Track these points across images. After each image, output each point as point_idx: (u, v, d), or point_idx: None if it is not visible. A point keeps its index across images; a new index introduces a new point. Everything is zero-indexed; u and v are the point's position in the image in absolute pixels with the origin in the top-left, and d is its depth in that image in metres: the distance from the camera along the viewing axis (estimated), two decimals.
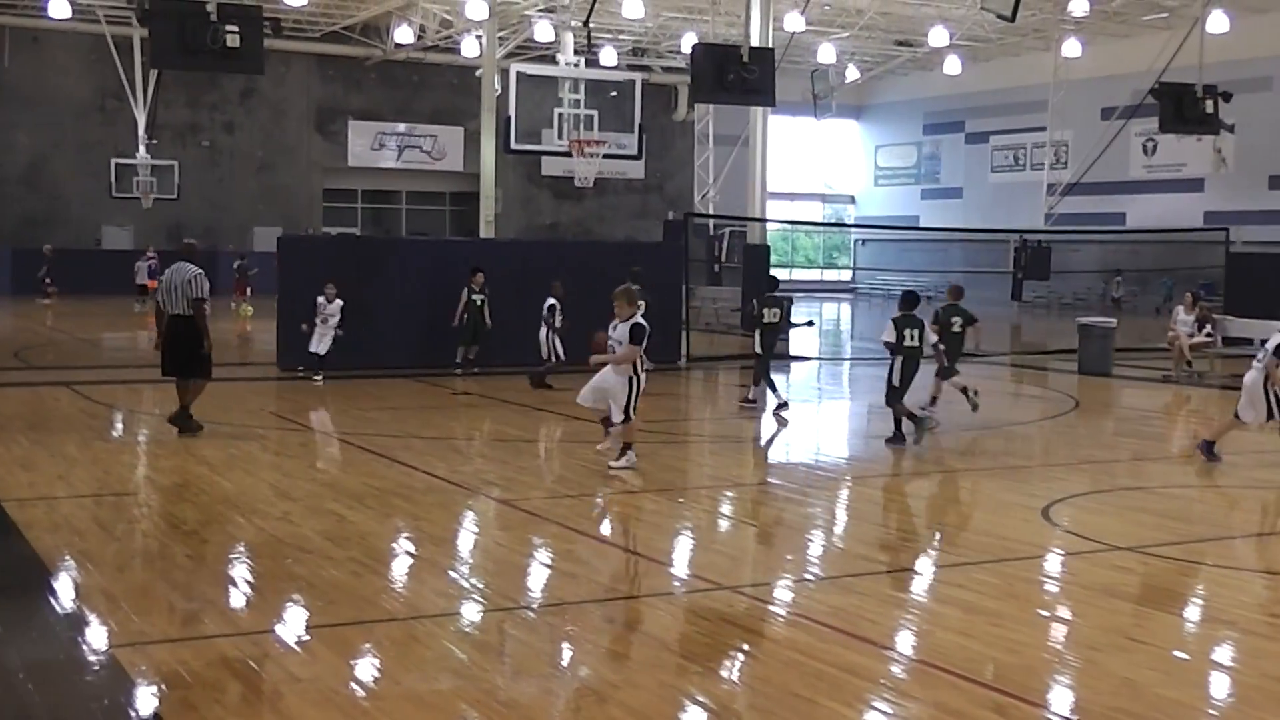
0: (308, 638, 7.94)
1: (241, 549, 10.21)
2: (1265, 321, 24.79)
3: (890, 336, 15.83)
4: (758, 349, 19.16)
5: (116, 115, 48.15)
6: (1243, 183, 44.52)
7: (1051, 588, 9.67)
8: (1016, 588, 9.31)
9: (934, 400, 17.89)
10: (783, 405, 18.82)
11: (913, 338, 15.81)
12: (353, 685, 7.07)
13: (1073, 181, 47.91)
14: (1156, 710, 6.79)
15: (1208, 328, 24.41)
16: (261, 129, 52.35)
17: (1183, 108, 30.07)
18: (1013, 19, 31.81)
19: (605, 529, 11.63)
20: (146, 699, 6.80)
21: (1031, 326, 41.99)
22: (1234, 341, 25.63)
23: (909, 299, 16.29)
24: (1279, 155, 43.99)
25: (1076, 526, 11.45)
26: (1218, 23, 36.78)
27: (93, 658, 7.53)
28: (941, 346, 17.48)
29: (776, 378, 19.43)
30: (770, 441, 17.59)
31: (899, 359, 15.78)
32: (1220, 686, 7.51)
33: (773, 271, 28.15)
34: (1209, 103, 30.12)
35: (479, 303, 21.64)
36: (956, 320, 17.97)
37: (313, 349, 20.80)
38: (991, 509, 12.44)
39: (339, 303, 20.73)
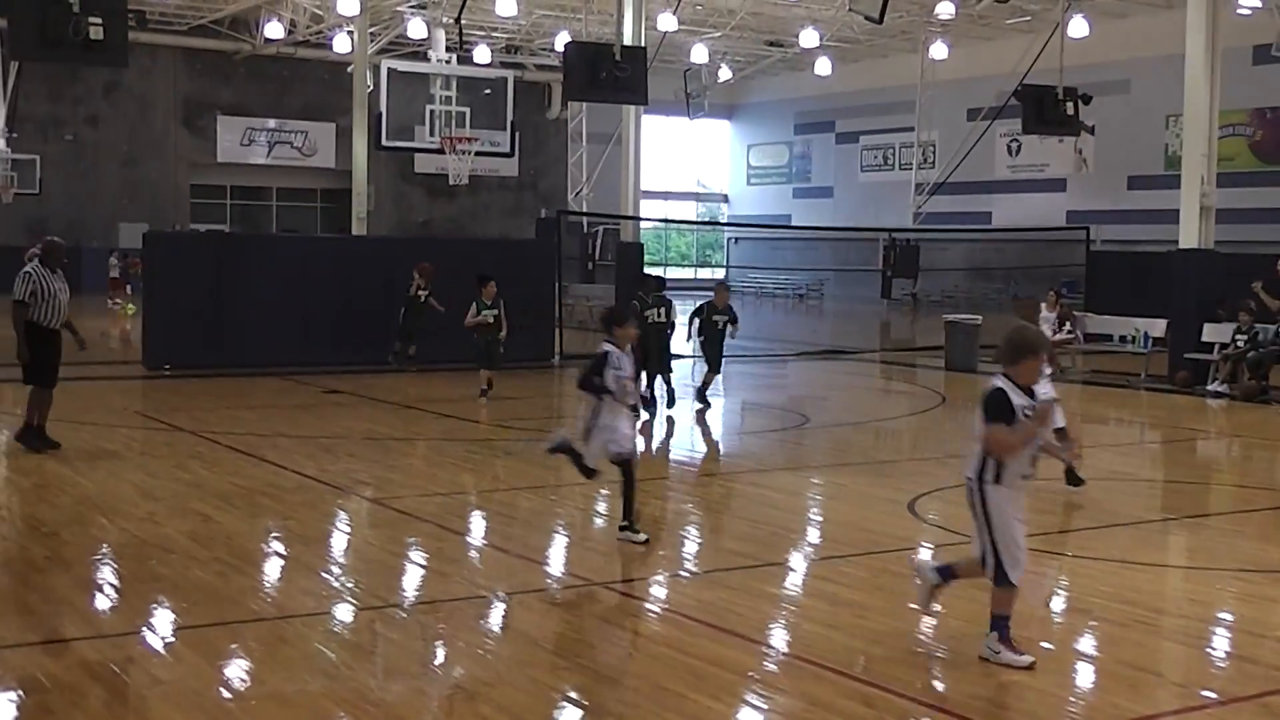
0: (172, 640, 7.81)
1: (104, 551, 10.01)
2: (1124, 318, 25.48)
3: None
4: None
5: None
6: (1103, 183, 45.59)
7: (916, 580, 9.82)
8: (882, 580, 9.45)
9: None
10: (650, 403, 18.88)
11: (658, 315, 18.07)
12: (219, 688, 6.97)
13: (940, 181, 48.74)
14: (1018, 698, 6.94)
15: (1069, 325, 24.92)
16: (127, 123, 51.31)
17: (1044, 109, 30.66)
18: (880, 21, 32.29)
19: (477, 527, 11.60)
20: (3, 705, 6.63)
21: (900, 324, 42.59)
22: (1094, 338, 26.24)
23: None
24: (1137, 157, 45.08)
25: (942, 519, 11.64)
26: (1078, 27, 37.62)
27: None
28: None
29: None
30: (645, 439, 17.64)
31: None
32: (1079, 674, 7.70)
33: (653, 271, 28.17)
34: (1069, 105, 30.74)
35: (492, 318, 19.19)
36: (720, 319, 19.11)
37: None
38: (859, 503, 12.61)
39: None
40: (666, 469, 14.99)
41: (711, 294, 19.70)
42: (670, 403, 18.92)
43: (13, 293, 13.91)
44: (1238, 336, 21.49)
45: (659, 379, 18.76)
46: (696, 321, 19.17)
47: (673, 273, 61.32)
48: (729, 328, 18.95)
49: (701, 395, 19.00)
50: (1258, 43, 35.05)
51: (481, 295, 19.13)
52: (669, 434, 17.76)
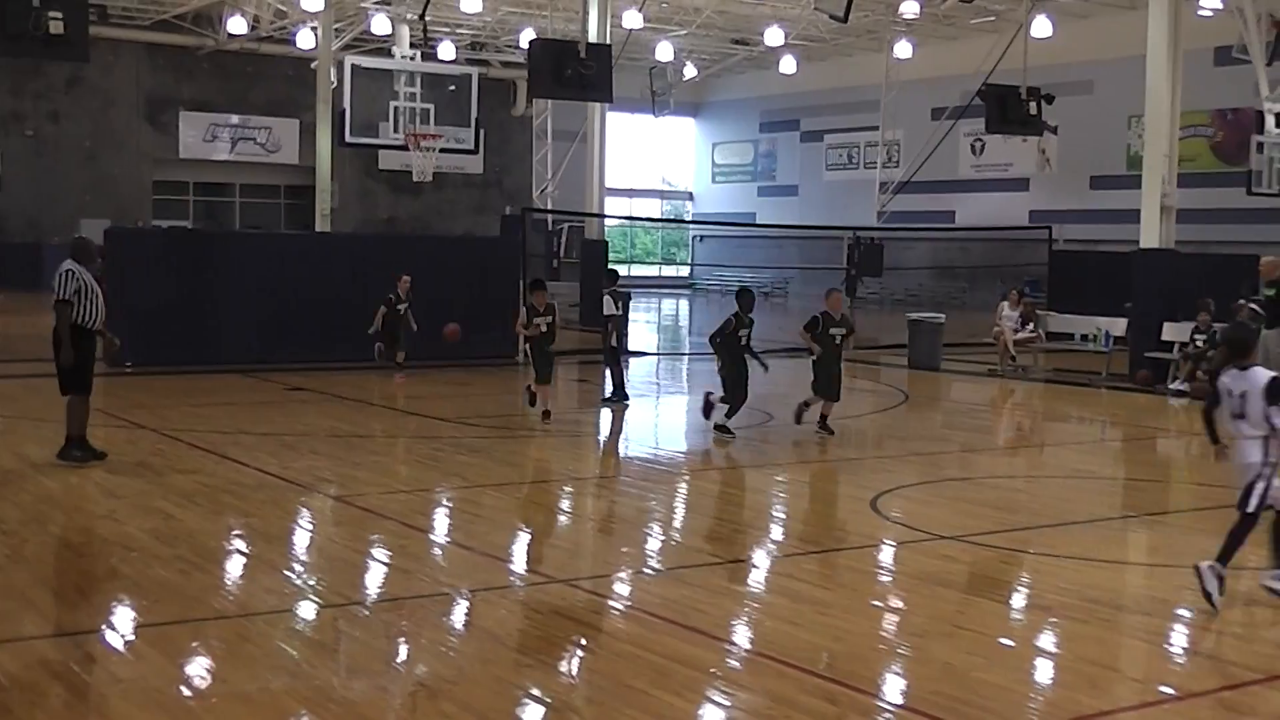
0: (133, 638, 7.78)
1: (65, 548, 9.96)
2: (1086, 317, 25.63)
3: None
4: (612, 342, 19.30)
5: None
6: (1066, 183, 45.79)
7: (879, 577, 9.88)
8: (845, 577, 9.50)
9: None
10: (614, 398, 19.05)
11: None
12: (180, 686, 6.95)
13: (904, 180, 48.84)
14: (979, 694, 6.98)
15: (1031, 324, 25.09)
16: (89, 118, 50.87)
17: (1007, 109, 30.82)
18: (845, 20, 32.33)
19: (441, 524, 11.59)
20: None
21: (865, 322, 42.70)
22: (1056, 336, 26.40)
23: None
24: (1100, 157, 45.30)
25: (904, 517, 11.70)
26: (1041, 28, 37.79)
27: None
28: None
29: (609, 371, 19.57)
30: (609, 435, 17.67)
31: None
32: (1040, 670, 7.76)
33: (613, 265, 28.20)
34: (1032, 105, 30.92)
35: (545, 327, 16.99)
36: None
37: None
38: (822, 500, 12.67)
39: None
40: (630, 466, 15.00)
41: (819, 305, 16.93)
42: (621, 396, 19.02)
43: (55, 291, 12.96)
44: (1196, 336, 21.65)
45: (609, 370, 19.01)
46: (809, 336, 16.20)
47: (637, 270, 61.45)
48: (845, 341, 16.56)
49: (825, 425, 16.28)
50: (1219, 44, 35.19)
51: (534, 302, 17.12)
52: (633, 430, 17.79)
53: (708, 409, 16.40)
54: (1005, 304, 25.29)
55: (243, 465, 13.38)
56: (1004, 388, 23.53)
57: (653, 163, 64.32)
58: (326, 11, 38.64)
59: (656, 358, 28.63)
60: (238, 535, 10.63)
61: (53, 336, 13.10)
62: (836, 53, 52.84)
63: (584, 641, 7.98)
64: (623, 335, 19.68)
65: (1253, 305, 21.37)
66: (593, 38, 26.66)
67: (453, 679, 7.20)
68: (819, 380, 16.31)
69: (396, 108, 25.62)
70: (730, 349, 16.23)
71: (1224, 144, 41.82)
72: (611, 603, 8.95)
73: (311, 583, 9.23)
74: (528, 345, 17.35)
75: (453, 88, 26.95)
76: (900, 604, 8.99)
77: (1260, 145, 27.94)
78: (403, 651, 7.80)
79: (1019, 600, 9.31)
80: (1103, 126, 44.57)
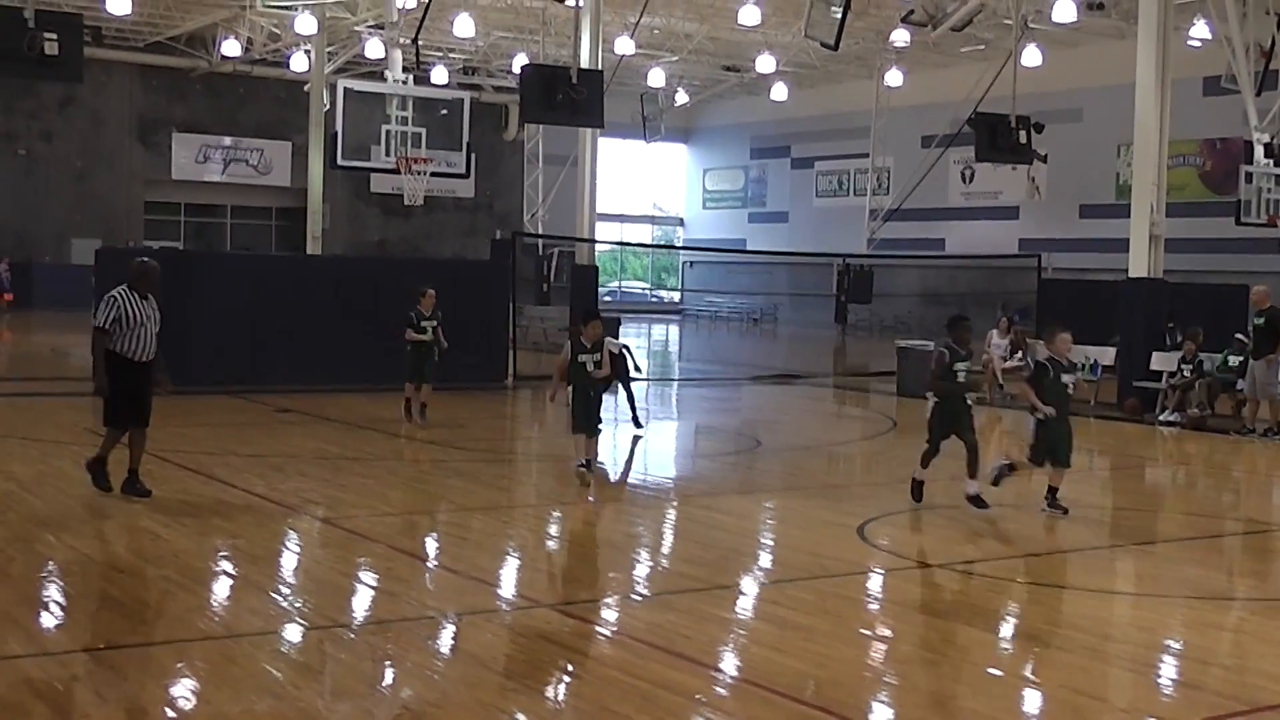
0: (118, 658, 7.75)
1: (51, 568, 9.93)
2: (1074, 345, 25.63)
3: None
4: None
5: None
6: (1055, 211, 45.95)
7: (866, 604, 9.88)
8: (831, 604, 9.49)
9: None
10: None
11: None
12: (164, 707, 6.93)
13: (894, 207, 49.05)
14: None
15: (1020, 352, 25.10)
16: (81, 138, 50.92)
17: (997, 137, 30.91)
18: (836, 48, 32.51)
19: (428, 548, 11.57)
20: None
21: (854, 348, 42.76)
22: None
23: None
24: (1089, 185, 45.49)
25: (891, 544, 11.71)
26: (1031, 56, 37.98)
27: None
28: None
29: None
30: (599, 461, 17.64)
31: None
32: (1026, 700, 7.75)
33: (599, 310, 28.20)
34: (1022, 133, 31.01)
35: (592, 366, 14.24)
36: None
37: None
38: (809, 527, 12.65)
39: None
40: (620, 492, 14.98)
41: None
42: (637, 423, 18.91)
43: (94, 318, 12.35)
44: (1183, 366, 21.72)
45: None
46: (1032, 387, 13.31)
47: (627, 295, 61.58)
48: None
49: (1055, 500, 13.20)
50: (1208, 74, 35.36)
51: (582, 337, 14.34)
52: (623, 456, 17.79)
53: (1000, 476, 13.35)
54: (994, 332, 25.32)
55: (230, 486, 13.36)
56: (991, 415, 23.54)
57: (644, 188, 64.47)
58: (320, 35, 38.78)
59: (645, 384, 28.61)
60: (224, 556, 10.60)
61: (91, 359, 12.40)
62: (827, 80, 53.05)
63: (570, 666, 7.96)
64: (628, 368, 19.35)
65: (1239, 336, 21.48)
66: (585, 63, 26.75)
67: (437, 703, 7.19)
68: (1043, 442, 13.07)
69: (388, 131, 25.65)
70: (950, 394, 13.22)
71: (1212, 173, 42.01)
72: (598, 628, 8.93)
73: (297, 605, 9.21)
74: (569, 388, 14.33)
75: (445, 112, 26.99)
76: (887, 632, 8.98)
77: (1249, 175, 28.05)
78: (388, 675, 7.78)
79: (1006, 629, 9.31)
80: (1092, 155, 44.77)
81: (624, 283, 65.10)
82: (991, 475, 13.26)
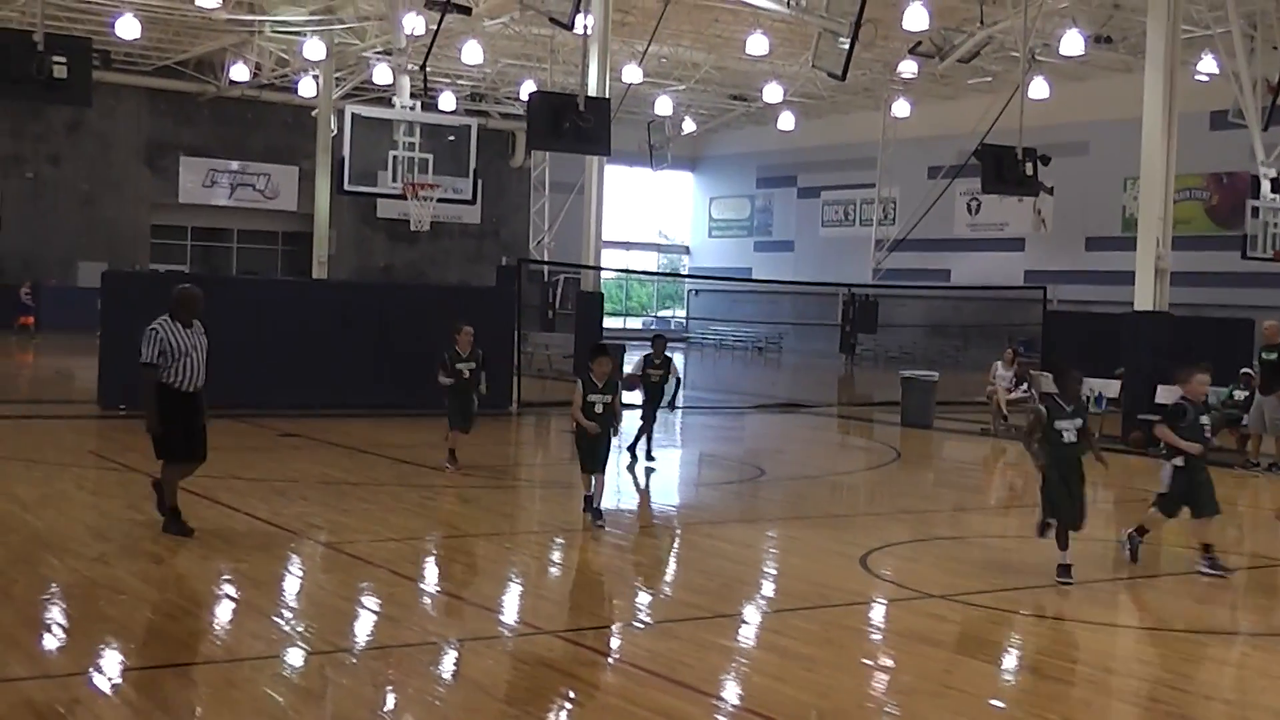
0: (119, 681, 7.75)
1: (53, 590, 9.93)
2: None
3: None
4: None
5: None
6: (1061, 243, 45.98)
7: (868, 634, 9.86)
8: (833, 634, 9.48)
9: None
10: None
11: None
12: None
13: (900, 238, 49.08)
14: None
15: (1025, 383, 25.10)
16: (89, 162, 51.10)
17: (1003, 169, 30.91)
18: (844, 78, 32.63)
19: (431, 573, 11.56)
20: None
21: (858, 378, 42.75)
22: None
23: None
24: (1095, 218, 45.53)
25: (894, 574, 11.69)
26: (1038, 89, 38.13)
27: None
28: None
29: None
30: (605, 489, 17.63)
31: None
32: None
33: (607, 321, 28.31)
34: (1028, 165, 31.01)
35: (600, 408, 13.54)
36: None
37: None
38: (812, 557, 12.64)
39: None
40: (622, 519, 14.97)
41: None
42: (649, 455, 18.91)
43: (140, 355, 11.78)
44: None
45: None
46: (1172, 429, 12.17)
47: (632, 323, 61.60)
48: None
49: (1214, 560, 12.01)
50: (1215, 108, 35.44)
51: (592, 375, 13.65)
52: (625, 483, 17.78)
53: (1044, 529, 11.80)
54: (999, 363, 25.34)
55: (233, 510, 13.37)
56: (996, 447, 23.53)
57: (650, 216, 64.60)
58: (328, 61, 38.93)
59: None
60: (227, 580, 10.60)
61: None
62: (834, 110, 53.19)
63: (571, 694, 7.95)
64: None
65: (1246, 370, 21.44)
66: (592, 91, 26.81)
67: None
68: (1177, 490, 12.11)
69: (395, 157, 25.68)
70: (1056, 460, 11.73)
71: (1219, 207, 42.04)
72: (598, 655, 8.92)
73: (299, 629, 9.20)
74: (573, 431, 13.75)
75: (452, 138, 27.03)
76: (889, 662, 8.97)
77: (1255, 210, 28.06)
78: (389, 700, 7.78)
79: (1008, 661, 9.29)
80: (1098, 188, 44.82)
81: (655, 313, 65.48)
82: (1126, 550, 12.33)
